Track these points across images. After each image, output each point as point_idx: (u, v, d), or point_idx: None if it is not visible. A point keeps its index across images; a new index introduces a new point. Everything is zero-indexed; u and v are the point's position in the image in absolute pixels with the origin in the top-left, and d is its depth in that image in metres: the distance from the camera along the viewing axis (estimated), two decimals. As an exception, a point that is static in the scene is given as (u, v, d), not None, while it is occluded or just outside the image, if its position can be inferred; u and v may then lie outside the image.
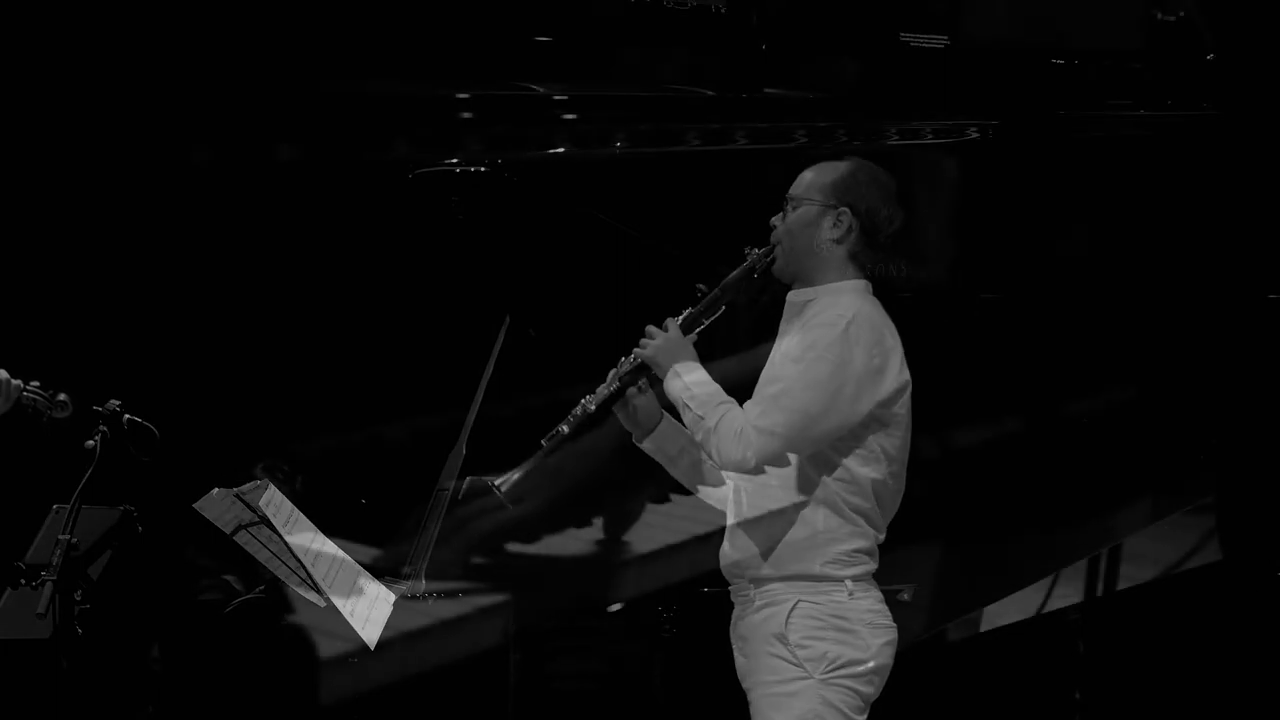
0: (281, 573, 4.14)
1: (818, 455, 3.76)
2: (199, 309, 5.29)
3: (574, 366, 4.11)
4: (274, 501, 4.03)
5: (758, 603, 3.82)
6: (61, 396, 4.04)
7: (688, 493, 4.10)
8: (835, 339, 3.72)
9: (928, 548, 5.72)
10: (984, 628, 6.43)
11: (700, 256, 4.69)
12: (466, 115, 5.57)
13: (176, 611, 5.26)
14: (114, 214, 5.24)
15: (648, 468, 4.03)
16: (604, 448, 4.06)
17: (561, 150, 5.69)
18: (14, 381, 3.99)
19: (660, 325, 3.88)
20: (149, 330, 5.23)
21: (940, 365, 4.39)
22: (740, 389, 3.81)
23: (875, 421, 3.77)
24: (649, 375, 3.88)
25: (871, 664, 3.75)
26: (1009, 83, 6.50)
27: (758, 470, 3.74)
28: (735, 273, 3.90)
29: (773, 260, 3.88)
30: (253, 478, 4.10)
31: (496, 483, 3.81)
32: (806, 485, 3.78)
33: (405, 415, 5.25)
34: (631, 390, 3.89)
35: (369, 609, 4.11)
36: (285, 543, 4.02)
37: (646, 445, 3.99)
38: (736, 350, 4.28)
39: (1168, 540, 6.76)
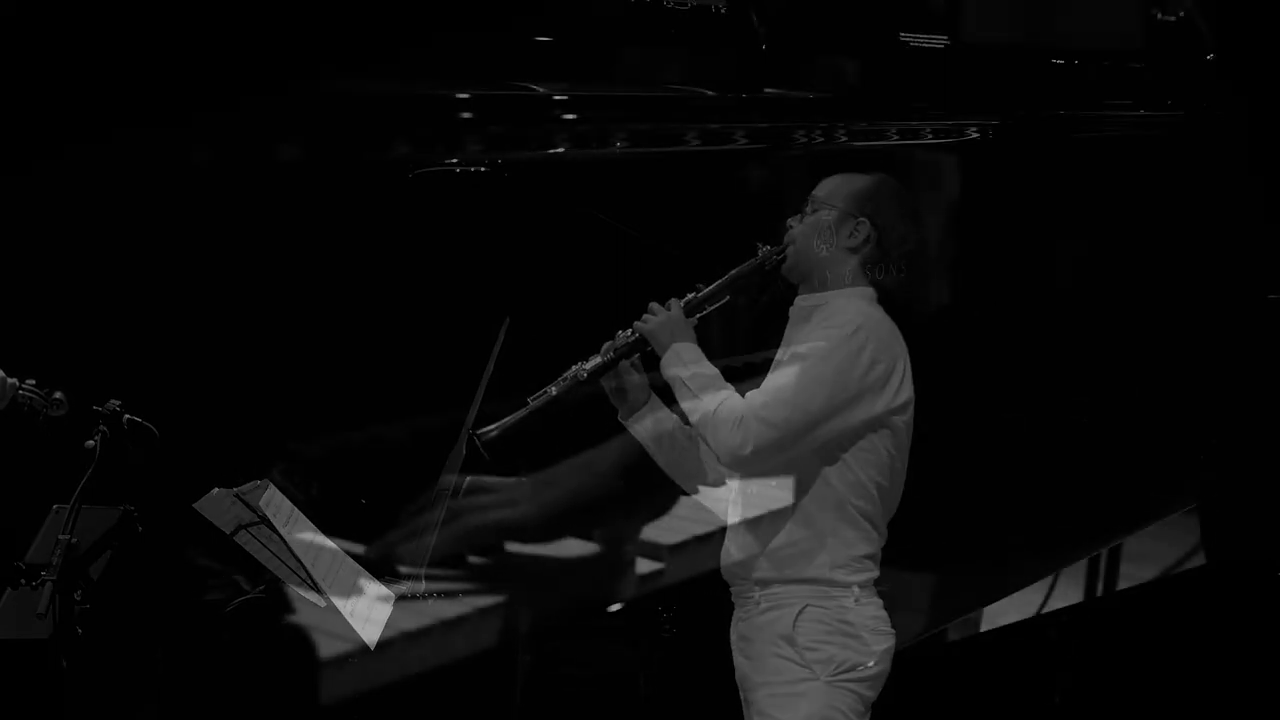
0: (281, 572, 4.14)
1: (825, 456, 3.78)
2: (199, 309, 5.28)
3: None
4: (274, 501, 4.03)
5: (763, 605, 3.82)
6: (57, 395, 4.03)
7: (688, 493, 4.11)
8: (846, 342, 3.75)
9: (927, 548, 5.72)
10: (984, 628, 6.44)
11: (700, 256, 4.69)
12: (466, 115, 5.56)
13: (176, 611, 5.25)
14: (113, 213, 5.23)
15: (648, 482, 4.03)
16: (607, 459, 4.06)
17: (561, 150, 5.69)
18: (10, 380, 3.98)
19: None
20: (149, 330, 5.21)
21: (940, 366, 4.39)
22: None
23: (880, 425, 3.78)
24: (643, 354, 3.90)
25: (874, 669, 3.77)
26: (1009, 83, 6.50)
27: (752, 459, 3.74)
28: (745, 265, 3.93)
29: (783, 259, 3.91)
30: (264, 479, 4.09)
31: (477, 432, 3.82)
32: (812, 487, 3.79)
33: (405, 415, 5.25)
34: (624, 364, 3.91)
35: (369, 609, 4.10)
36: (285, 542, 4.02)
37: (632, 424, 4.00)
38: (735, 351, 4.28)
39: (1168, 540, 6.77)
